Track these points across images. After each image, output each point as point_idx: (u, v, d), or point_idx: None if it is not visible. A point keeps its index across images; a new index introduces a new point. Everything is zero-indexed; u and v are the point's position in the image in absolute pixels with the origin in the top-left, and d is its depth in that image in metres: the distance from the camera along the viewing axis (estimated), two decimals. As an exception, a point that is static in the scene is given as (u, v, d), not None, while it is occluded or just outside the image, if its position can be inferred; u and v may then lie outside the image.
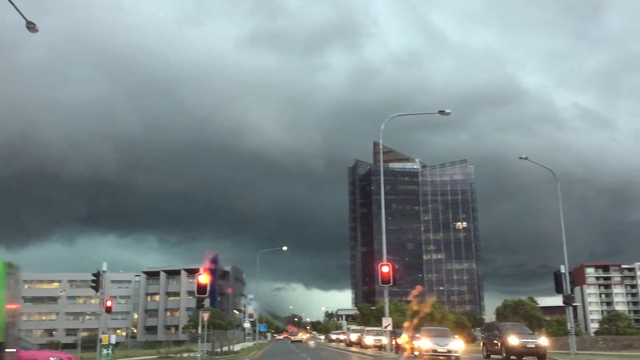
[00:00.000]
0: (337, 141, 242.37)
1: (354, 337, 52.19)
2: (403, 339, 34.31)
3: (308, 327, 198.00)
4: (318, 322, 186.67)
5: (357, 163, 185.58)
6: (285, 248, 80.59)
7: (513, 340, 24.87)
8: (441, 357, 26.89)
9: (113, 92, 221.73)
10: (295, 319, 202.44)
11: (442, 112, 31.80)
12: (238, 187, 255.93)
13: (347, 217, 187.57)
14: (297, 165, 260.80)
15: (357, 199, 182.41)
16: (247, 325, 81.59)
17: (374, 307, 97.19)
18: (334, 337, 76.10)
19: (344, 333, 72.01)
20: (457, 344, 27.57)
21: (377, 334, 42.82)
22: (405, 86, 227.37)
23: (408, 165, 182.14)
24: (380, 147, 35.36)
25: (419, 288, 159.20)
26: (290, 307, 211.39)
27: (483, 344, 29.16)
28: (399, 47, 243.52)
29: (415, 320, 42.63)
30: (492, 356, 27.23)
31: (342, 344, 62.93)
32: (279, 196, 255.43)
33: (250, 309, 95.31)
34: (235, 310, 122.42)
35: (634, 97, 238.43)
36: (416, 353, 28.89)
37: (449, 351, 26.78)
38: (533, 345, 24.66)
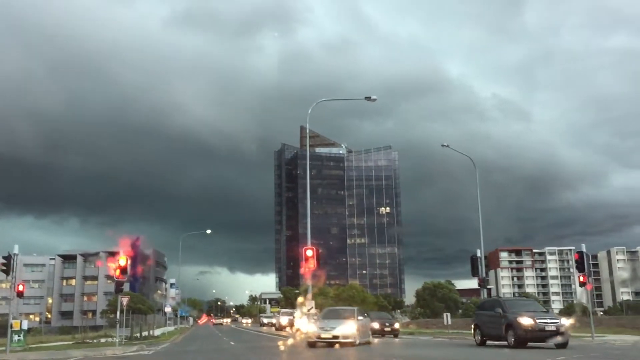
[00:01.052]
0: (266, 124, 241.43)
1: (284, 320, 46.81)
2: (297, 321, 30.97)
3: (232, 311, 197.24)
4: (242, 306, 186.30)
5: (283, 147, 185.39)
6: (209, 231, 79.43)
7: (526, 320, 18.90)
8: (328, 343, 21.14)
9: (34, 66, 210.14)
10: (219, 303, 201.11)
11: (368, 99, 32.15)
12: (164, 169, 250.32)
13: (272, 201, 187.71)
14: (226, 147, 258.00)
15: (283, 183, 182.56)
16: (168, 309, 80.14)
17: (297, 291, 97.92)
18: (265, 320, 70.05)
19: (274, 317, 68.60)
20: (349, 327, 21.59)
21: (292, 315, 41.93)
22: (335, 72, 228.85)
23: (334, 150, 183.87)
24: (307, 131, 35.40)
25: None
26: (214, 291, 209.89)
27: (476, 325, 22.63)
28: (330, 33, 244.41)
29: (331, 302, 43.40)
30: (488, 342, 21.76)
31: (273, 328, 57.54)
32: (206, 179, 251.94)
33: (172, 293, 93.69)
34: (156, 295, 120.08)
35: (549, 90, 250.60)
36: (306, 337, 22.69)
37: (334, 337, 20.96)
38: (553, 328, 18.72)
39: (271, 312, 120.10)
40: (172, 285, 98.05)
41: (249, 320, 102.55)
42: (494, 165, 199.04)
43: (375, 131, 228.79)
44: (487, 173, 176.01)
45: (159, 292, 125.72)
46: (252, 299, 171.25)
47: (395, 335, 33.16)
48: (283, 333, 39.97)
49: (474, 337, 22.81)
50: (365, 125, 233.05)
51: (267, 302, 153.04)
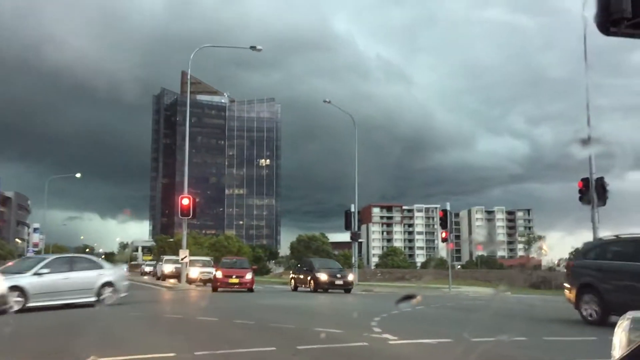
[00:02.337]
0: (148, 66, 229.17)
1: (168, 268, 42.44)
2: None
3: (102, 258, 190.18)
4: (112, 254, 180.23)
5: (163, 91, 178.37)
6: (78, 175, 75.51)
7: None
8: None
9: None
10: (87, 250, 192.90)
11: (253, 48, 31.69)
12: (35, 108, 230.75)
13: (149, 147, 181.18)
14: (102, 87, 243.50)
15: (161, 129, 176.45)
16: (30, 254, 75.62)
17: (171, 239, 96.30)
18: (147, 269, 64.44)
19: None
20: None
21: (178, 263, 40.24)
22: (223, 21, 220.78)
23: (216, 99, 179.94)
24: (189, 76, 34.26)
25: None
26: (82, 238, 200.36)
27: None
28: None
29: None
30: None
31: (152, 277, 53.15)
32: (80, 119, 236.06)
33: (35, 238, 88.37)
34: (17, 240, 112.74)
35: (429, 54, 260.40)
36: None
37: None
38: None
39: (143, 260, 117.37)
40: (35, 230, 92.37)
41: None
42: (375, 124, 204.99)
43: (261, 83, 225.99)
44: (368, 132, 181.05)
45: (20, 237, 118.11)
46: (123, 246, 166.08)
47: (348, 291, 27.27)
48: (166, 283, 36.23)
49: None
50: (250, 76, 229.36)
51: (139, 250, 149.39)
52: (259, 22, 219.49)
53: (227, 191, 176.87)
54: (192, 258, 35.34)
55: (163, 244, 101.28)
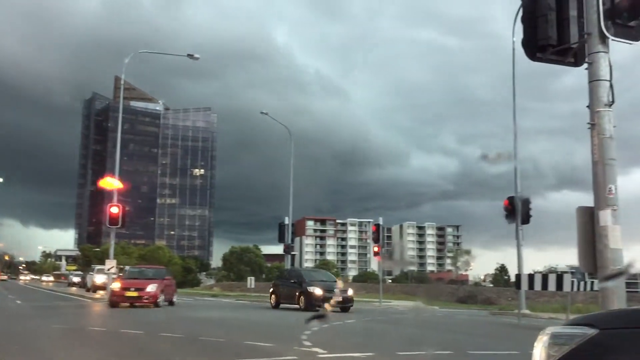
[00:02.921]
0: (80, 70, 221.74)
1: (99, 279, 36.26)
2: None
3: (21, 267, 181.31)
4: (34, 263, 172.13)
5: (94, 96, 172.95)
6: (0, 179, 71.63)
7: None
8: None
9: None
10: (6, 258, 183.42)
11: (190, 56, 31.31)
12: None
13: (78, 152, 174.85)
14: (29, 87, 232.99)
15: (92, 135, 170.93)
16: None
17: (98, 249, 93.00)
18: (75, 279, 59.99)
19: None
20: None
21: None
22: (162, 28, 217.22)
23: (151, 106, 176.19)
24: (122, 82, 33.37)
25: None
26: (1, 245, 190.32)
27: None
28: None
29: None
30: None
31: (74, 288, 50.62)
32: (3, 120, 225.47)
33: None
34: None
35: (365, 71, 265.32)
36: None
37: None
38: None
39: (67, 270, 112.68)
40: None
41: (50, 278, 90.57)
42: (312, 138, 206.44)
43: (199, 93, 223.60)
44: (306, 145, 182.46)
45: None
46: (46, 255, 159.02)
47: (346, 309, 22.40)
48: (96, 295, 32.81)
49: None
50: (188, 86, 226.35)
51: (63, 259, 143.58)
52: (199, 30, 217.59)
53: (158, 200, 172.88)
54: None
55: (89, 253, 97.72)
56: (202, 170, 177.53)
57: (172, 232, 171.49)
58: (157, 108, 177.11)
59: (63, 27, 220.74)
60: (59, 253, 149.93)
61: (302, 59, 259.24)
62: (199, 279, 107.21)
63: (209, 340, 10.76)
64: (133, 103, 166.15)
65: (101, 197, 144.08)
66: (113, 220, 27.75)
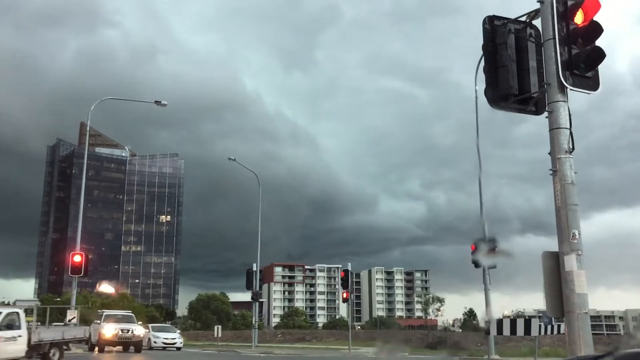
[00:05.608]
0: (47, 116, 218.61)
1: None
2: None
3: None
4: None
5: (59, 142, 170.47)
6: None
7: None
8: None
9: None
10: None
11: (158, 103, 31.33)
12: None
13: (40, 200, 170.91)
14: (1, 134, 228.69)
15: (55, 181, 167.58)
16: None
17: (58, 299, 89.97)
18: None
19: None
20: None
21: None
22: (134, 77, 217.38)
23: (117, 152, 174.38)
24: (88, 128, 33.08)
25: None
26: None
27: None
28: (137, 39, 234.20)
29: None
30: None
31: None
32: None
33: None
34: None
35: (333, 119, 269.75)
36: None
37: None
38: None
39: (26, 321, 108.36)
40: None
41: None
42: (284, 185, 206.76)
43: (168, 141, 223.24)
44: (277, 192, 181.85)
45: None
46: (4, 305, 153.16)
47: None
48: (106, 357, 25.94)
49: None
50: (156, 133, 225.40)
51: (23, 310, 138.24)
52: (171, 79, 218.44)
53: (123, 248, 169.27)
54: (108, 312, 31.52)
55: (50, 303, 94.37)
56: (169, 217, 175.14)
57: (137, 280, 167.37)
58: (123, 154, 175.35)
59: (32, 74, 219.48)
60: (18, 304, 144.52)
61: (271, 107, 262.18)
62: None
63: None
64: (98, 149, 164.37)
65: (63, 245, 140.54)
66: (75, 268, 27.05)
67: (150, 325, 35.99)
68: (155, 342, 32.32)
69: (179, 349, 32.68)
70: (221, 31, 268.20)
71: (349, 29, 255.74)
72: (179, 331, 36.49)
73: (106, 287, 34.05)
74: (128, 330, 27.50)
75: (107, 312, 31.11)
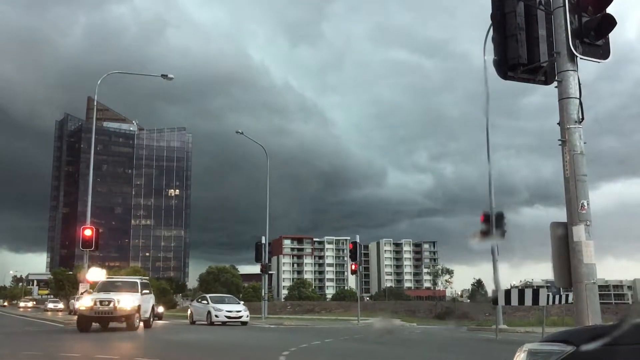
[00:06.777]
0: (55, 91, 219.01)
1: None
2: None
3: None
4: (4, 288, 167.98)
5: (67, 117, 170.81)
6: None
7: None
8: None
9: None
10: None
11: (164, 77, 31.20)
12: None
13: (50, 174, 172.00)
14: (14, 110, 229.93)
15: (64, 156, 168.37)
16: None
17: (70, 272, 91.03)
18: (50, 305, 59.42)
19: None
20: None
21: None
22: (142, 53, 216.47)
23: (124, 126, 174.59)
24: (95, 102, 33.06)
25: None
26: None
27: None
28: (146, 14, 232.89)
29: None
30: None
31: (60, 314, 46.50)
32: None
33: None
34: None
35: (342, 92, 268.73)
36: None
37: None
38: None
39: (39, 294, 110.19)
40: None
41: (29, 304, 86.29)
42: (295, 158, 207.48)
43: (176, 114, 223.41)
44: (287, 165, 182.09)
45: None
46: (17, 280, 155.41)
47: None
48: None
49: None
50: (166, 110, 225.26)
51: (35, 283, 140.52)
52: (179, 54, 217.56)
53: (133, 222, 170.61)
54: (121, 278, 26.58)
55: (62, 277, 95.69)
56: (177, 191, 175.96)
57: (147, 254, 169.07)
58: (131, 128, 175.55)
59: (42, 50, 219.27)
60: (30, 277, 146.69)
61: (279, 80, 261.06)
62: (175, 300, 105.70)
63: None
64: (106, 124, 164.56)
65: (74, 219, 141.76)
66: (86, 242, 27.24)
67: (208, 296, 31.05)
68: (217, 315, 27.18)
69: (244, 323, 27.54)
70: (228, 4, 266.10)
71: (355, 1, 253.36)
72: (242, 302, 31.09)
73: (95, 273, 25.27)
74: (108, 302, 19.62)
75: (106, 279, 24.51)
